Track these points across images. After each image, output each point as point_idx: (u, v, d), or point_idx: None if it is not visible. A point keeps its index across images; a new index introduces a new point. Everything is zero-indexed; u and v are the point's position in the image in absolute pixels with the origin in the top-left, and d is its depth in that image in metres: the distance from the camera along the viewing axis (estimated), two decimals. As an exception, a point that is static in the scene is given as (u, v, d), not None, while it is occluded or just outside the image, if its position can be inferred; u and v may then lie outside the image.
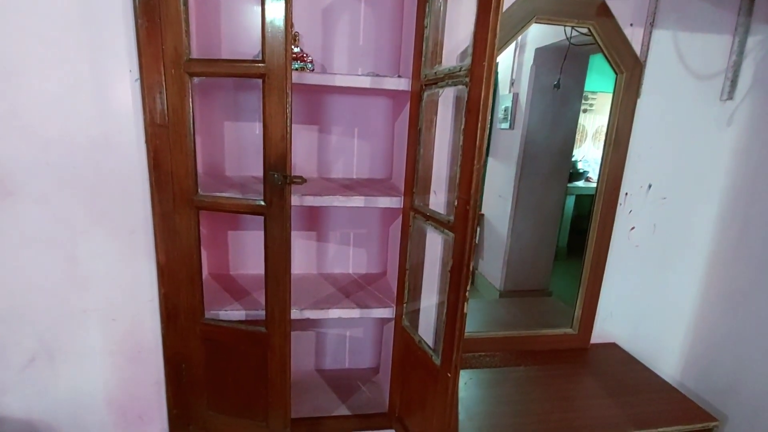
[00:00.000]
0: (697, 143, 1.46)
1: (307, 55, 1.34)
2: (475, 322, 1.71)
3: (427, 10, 1.13)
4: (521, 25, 1.22)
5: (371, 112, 1.56)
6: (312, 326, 1.74)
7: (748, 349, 1.40)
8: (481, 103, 0.88)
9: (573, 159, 2.31)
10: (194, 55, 1.06)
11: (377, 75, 1.34)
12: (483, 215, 2.52)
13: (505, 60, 2.18)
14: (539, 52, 1.93)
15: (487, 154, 2.57)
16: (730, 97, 1.41)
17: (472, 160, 0.91)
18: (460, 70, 0.96)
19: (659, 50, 1.35)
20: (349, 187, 1.43)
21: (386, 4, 1.45)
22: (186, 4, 1.03)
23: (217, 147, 1.49)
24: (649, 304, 1.61)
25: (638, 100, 1.36)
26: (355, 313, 1.39)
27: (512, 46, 2.07)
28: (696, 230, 1.54)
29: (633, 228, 1.51)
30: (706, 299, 1.57)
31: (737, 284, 1.45)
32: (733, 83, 1.39)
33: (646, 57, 1.33)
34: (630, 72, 1.32)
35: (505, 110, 2.31)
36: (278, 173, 1.08)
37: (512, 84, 2.26)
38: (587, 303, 1.52)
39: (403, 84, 1.26)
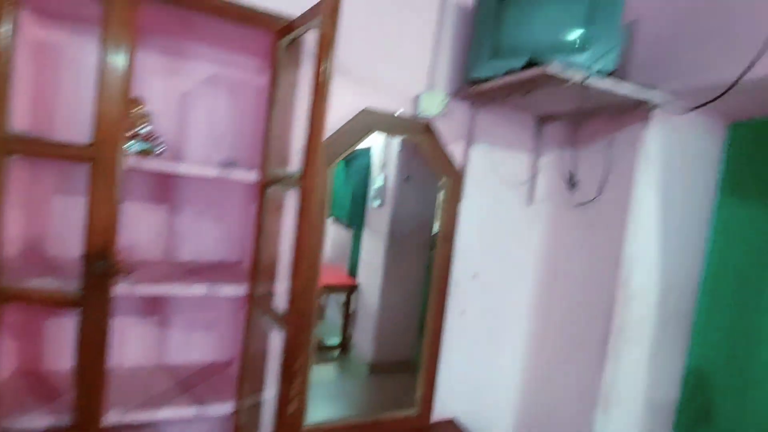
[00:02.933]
0: (511, 238, 1.77)
1: (158, 136, 1.33)
2: (335, 404, 1.71)
3: (273, 110, 1.23)
4: (361, 135, 1.40)
5: (227, 193, 1.58)
6: (147, 425, 1.54)
7: (565, 418, 1.63)
8: (309, 211, 0.97)
9: (434, 234, 2.58)
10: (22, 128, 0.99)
11: (230, 164, 1.38)
12: (358, 286, 2.61)
13: (378, 142, 2.41)
14: (404, 140, 2.19)
15: (362, 228, 2.73)
16: (532, 202, 1.76)
17: (301, 261, 0.98)
18: (293, 177, 1.05)
19: (477, 162, 1.65)
20: (195, 271, 1.39)
21: (247, 94, 1.54)
22: (9, 81, 0.97)
23: (42, 223, 1.34)
24: (483, 381, 1.79)
25: (461, 203, 1.62)
26: (190, 411, 1.29)
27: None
28: (515, 312, 1.81)
29: (464, 311, 1.71)
30: (528, 372, 1.81)
31: (549, 358, 1.72)
32: (533, 191, 1.75)
33: (466, 167, 1.62)
34: (452, 180, 1.58)
35: (377, 189, 2.53)
36: (101, 263, 1.02)
37: (383, 165, 2.50)
38: (427, 384, 1.64)
39: (252, 176, 1.31)
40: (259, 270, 1.27)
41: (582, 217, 1.61)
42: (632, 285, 1.44)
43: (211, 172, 1.27)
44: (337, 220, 3.01)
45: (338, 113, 1.40)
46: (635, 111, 1.36)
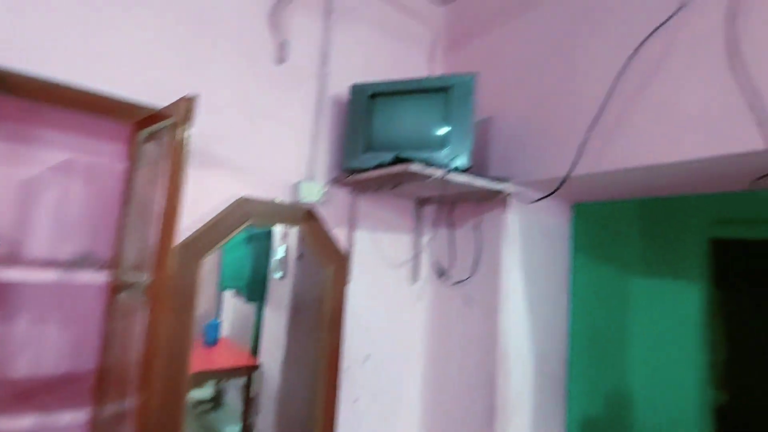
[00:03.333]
0: (399, 317, 1.78)
1: (-14, 234, 1.13)
2: None
3: (129, 207, 1.14)
4: (236, 227, 1.35)
5: (77, 294, 1.37)
6: None
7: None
8: (157, 323, 0.87)
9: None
10: None
11: (82, 259, 1.22)
12: (260, 366, 2.39)
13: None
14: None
15: (264, 303, 2.56)
16: (416, 280, 1.82)
17: (149, 381, 0.86)
18: (141, 283, 0.95)
19: (362, 245, 1.67)
20: (28, 393, 1.15)
21: (107, 183, 1.40)
22: None
23: None
24: (380, 472, 1.69)
25: (348, 286, 1.61)
26: None
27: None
28: (408, 392, 1.79)
29: (357, 399, 1.64)
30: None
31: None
32: (416, 270, 1.81)
33: (351, 251, 1.63)
34: (337, 264, 1.57)
35: (278, 260, 2.41)
36: None
37: (285, 235, 2.41)
38: (320, 487, 1.50)
39: (101, 278, 1.16)
40: (107, 390, 1.09)
41: (461, 293, 1.70)
42: (510, 357, 1.52)
43: (49, 276, 1.10)
44: (238, 293, 2.80)
45: (213, 202, 1.34)
46: (495, 198, 1.52)
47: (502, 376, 1.51)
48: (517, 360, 1.55)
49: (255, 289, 2.58)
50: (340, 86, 1.60)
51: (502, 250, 1.54)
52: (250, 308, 2.72)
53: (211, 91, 1.36)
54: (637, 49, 1.17)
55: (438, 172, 1.22)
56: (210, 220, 1.30)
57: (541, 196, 1.38)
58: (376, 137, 1.43)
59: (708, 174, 1.15)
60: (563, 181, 1.29)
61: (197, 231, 1.26)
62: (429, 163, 1.23)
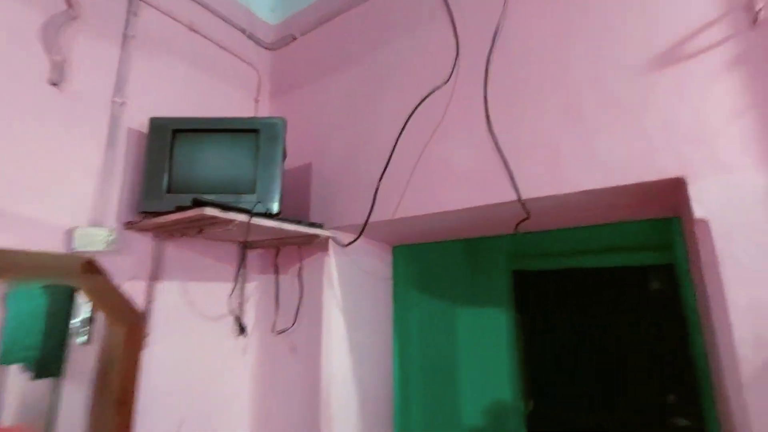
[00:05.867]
0: (221, 376, 1.58)
1: None
2: None
3: None
4: (-30, 286, 1.03)
5: None
6: None
7: None
8: None
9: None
10: None
11: None
12: None
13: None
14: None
15: (61, 378, 2.02)
16: (241, 332, 1.65)
17: None
18: None
19: (167, 300, 1.45)
20: None
21: None
22: None
23: None
24: None
25: (144, 351, 1.36)
26: None
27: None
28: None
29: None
30: None
31: None
32: (241, 321, 1.65)
33: (151, 308, 1.40)
34: (130, 325, 1.33)
35: (83, 321, 1.94)
36: None
37: None
38: None
39: None
40: None
41: (287, 342, 1.60)
42: (332, 405, 1.45)
43: None
44: (26, 367, 2.18)
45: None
46: (314, 242, 1.49)
47: (325, 423, 1.44)
48: (341, 405, 1.49)
49: (47, 361, 2.06)
50: (143, 119, 1.42)
51: (324, 295, 1.51)
52: (44, 386, 2.15)
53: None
54: (413, 112, 1.32)
55: (240, 217, 1.13)
56: None
57: (350, 241, 1.41)
58: (178, 177, 1.28)
59: (481, 220, 1.32)
60: (362, 229, 1.35)
61: None
62: (231, 208, 1.13)
